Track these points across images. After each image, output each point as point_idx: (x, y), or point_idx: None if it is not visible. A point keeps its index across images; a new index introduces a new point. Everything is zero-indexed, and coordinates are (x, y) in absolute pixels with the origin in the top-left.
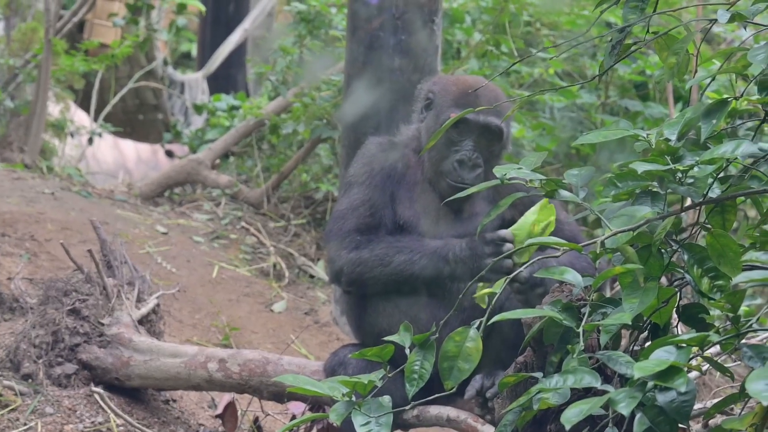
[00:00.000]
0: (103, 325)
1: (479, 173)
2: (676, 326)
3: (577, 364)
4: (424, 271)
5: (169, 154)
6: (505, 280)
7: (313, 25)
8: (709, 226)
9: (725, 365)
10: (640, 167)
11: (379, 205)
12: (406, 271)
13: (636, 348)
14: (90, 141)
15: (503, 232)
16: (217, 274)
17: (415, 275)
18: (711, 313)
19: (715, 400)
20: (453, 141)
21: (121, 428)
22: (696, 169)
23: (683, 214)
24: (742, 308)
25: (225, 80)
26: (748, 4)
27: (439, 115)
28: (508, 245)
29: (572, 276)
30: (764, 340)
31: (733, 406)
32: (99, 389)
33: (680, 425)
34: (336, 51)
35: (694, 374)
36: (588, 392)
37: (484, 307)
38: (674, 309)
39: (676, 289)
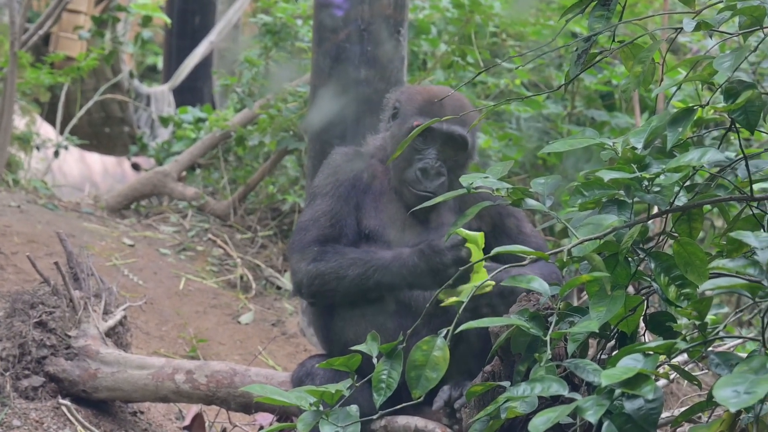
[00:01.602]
0: (70, 337)
1: (443, 182)
2: (644, 335)
3: (545, 373)
4: (379, 285)
5: (135, 166)
6: (473, 288)
7: (279, 37)
8: (675, 234)
9: (692, 374)
10: (607, 175)
11: (341, 215)
12: (362, 285)
13: (603, 356)
14: (56, 154)
15: (455, 239)
16: (184, 286)
17: (372, 289)
18: (678, 321)
19: (683, 409)
20: (417, 149)
21: None
22: (662, 177)
23: (650, 222)
24: (709, 316)
25: (191, 92)
26: (714, 13)
27: (403, 123)
28: (466, 249)
29: (539, 284)
30: (731, 349)
31: (700, 414)
32: (66, 401)
33: None
34: (302, 62)
35: (661, 382)
36: (555, 401)
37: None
38: (641, 317)
39: (643, 298)
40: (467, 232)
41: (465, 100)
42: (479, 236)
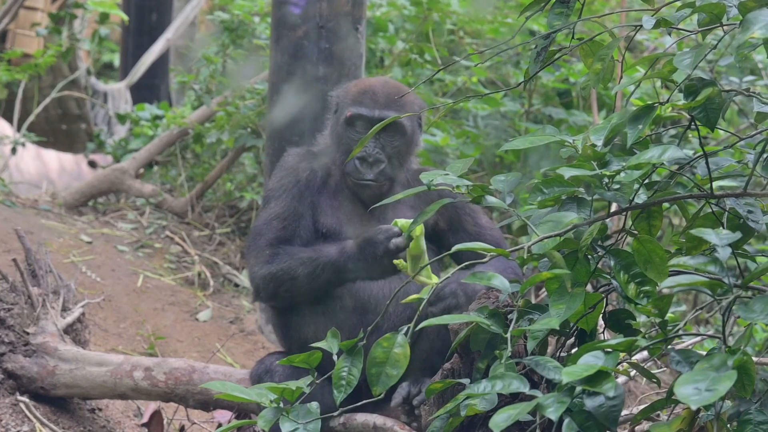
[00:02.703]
0: (28, 334)
1: (382, 169)
2: (603, 332)
3: (505, 370)
4: (330, 281)
5: (92, 164)
6: (432, 287)
7: (237, 34)
8: (635, 231)
9: (651, 372)
10: (567, 173)
11: (295, 216)
12: (314, 283)
13: (563, 354)
14: (13, 151)
15: (389, 230)
16: (142, 283)
17: (323, 286)
18: (637, 319)
19: (642, 407)
20: (354, 139)
21: None
22: (622, 174)
23: (609, 220)
24: (669, 314)
25: (148, 90)
26: (672, 11)
27: (339, 116)
28: (395, 240)
29: (499, 281)
30: (690, 346)
31: (659, 412)
32: (24, 398)
33: (608, 430)
34: (260, 60)
35: (622, 379)
36: (515, 398)
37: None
38: (601, 315)
39: (603, 295)
40: (402, 221)
41: (402, 87)
42: (407, 224)
